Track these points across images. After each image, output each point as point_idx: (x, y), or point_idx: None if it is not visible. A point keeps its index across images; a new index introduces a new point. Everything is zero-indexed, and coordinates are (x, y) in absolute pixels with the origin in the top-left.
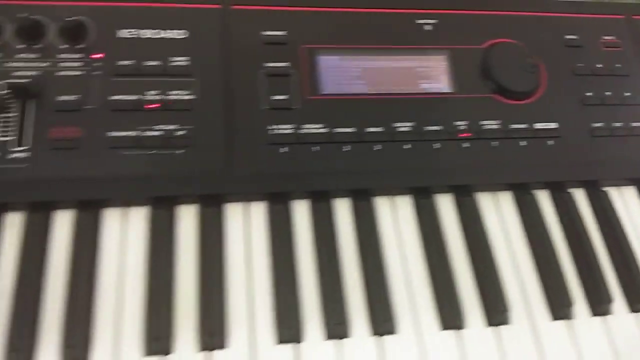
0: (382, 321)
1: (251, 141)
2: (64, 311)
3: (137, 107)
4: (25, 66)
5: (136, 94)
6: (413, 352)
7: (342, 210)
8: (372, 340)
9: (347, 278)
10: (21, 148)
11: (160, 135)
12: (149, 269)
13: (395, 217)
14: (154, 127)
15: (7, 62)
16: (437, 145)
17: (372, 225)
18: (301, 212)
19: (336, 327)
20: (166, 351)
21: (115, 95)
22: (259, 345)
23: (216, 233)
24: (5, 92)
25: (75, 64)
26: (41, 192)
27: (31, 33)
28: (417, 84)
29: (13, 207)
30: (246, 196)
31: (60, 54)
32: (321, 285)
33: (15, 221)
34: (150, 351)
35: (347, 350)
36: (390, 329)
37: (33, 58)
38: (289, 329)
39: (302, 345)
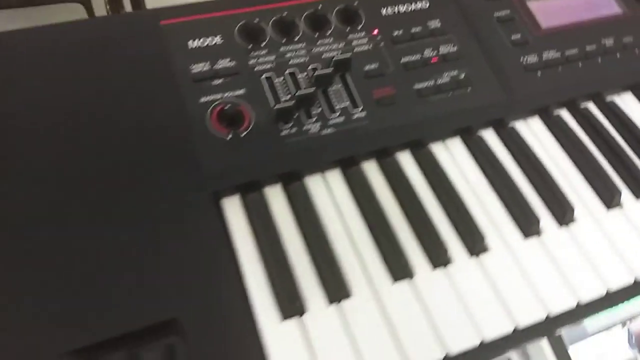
0: None
1: (513, 71)
2: None
3: (424, 64)
4: (327, 49)
5: (417, 53)
6: None
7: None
8: None
9: None
10: (358, 109)
11: (449, 80)
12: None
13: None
14: (444, 74)
15: (312, 48)
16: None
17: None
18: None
19: None
20: None
21: (403, 58)
22: None
23: (523, 146)
24: (330, 69)
25: (364, 41)
26: (383, 140)
27: (318, 25)
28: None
29: (363, 157)
30: (526, 113)
31: (348, 35)
32: None
33: (371, 167)
34: None
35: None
36: None
37: (329, 42)
38: None
39: None
